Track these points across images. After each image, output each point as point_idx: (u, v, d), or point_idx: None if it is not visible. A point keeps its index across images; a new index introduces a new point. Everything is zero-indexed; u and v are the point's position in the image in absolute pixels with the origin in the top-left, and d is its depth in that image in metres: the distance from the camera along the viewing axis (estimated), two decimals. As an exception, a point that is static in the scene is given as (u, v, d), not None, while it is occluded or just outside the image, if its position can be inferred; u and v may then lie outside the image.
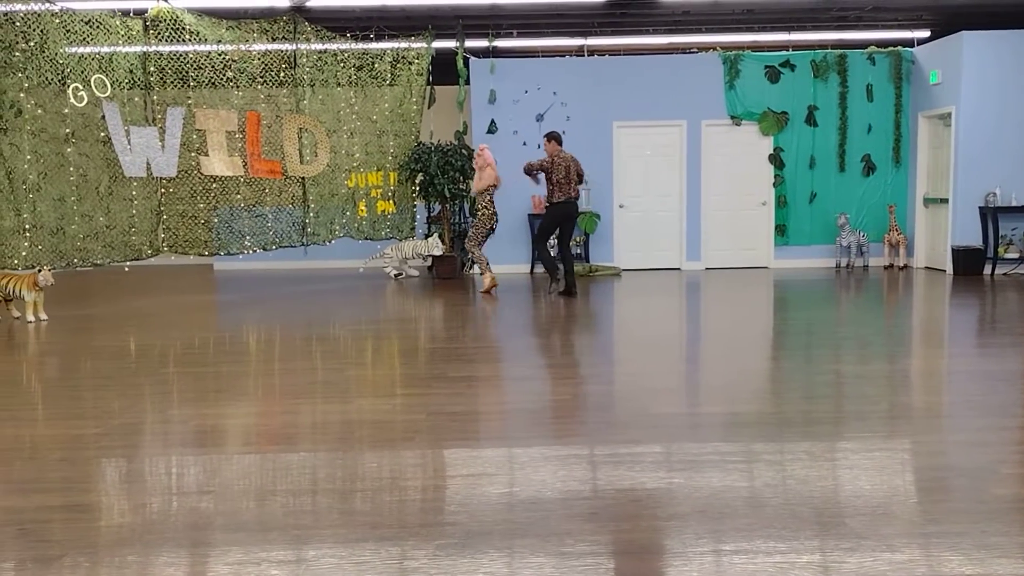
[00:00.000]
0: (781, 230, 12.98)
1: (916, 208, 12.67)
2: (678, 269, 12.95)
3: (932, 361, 6.16)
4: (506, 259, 12.87)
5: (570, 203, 9.92)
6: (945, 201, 11.92)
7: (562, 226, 10.05)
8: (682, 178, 12.88)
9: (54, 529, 3.22)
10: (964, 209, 11.60)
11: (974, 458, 3.87)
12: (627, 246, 12.99)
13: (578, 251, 12.79)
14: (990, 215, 11.35)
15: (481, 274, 10.56)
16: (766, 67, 12.75)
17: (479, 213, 10.35)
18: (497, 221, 10.45)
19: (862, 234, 12.58)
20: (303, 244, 11.33)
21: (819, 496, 3.41)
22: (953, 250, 11.57)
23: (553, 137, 9.98)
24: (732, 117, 12.79)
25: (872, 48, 12.79)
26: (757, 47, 13.21)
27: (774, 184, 12.93)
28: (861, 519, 3.17)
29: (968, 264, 11.46)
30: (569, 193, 9.87)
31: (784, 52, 12.88)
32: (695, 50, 13.26)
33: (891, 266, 12.62)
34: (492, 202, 10.34)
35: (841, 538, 3.00)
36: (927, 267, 12.54)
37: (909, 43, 12.88)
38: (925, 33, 12.58)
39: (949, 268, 11.73)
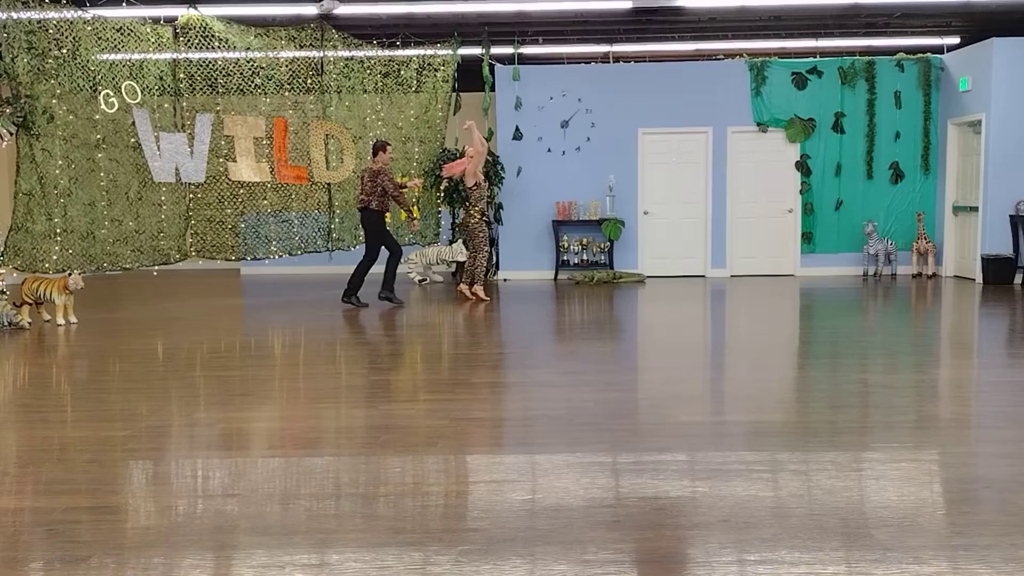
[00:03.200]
0: (808, 238, 12.87)
1: (945, 216, 12.52)
2: (703, 276, 12.89)
3: (961, 371, 6.08)
4: (531, 265, 12.88)
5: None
6: (975, 209, 11.77)
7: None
8: (707, 185, 12.83)
9: (82, 530, 3.26)
10: (994, 217, 11.45)
11: (1003, 470, 3.81)
12: (651, 253, 12.95)
13: (602, 257, 12.77)
14: (1021, 224, 11.19)
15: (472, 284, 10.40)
16: (793, 74, 12.67)
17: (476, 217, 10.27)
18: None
19: (890, 242, 12.46)
20: (328, 249, 11.40)
21: (845, 507, 3.37)
22: (983, 259, 11.42)
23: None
24: (758, 124, 12.72)
25: (901, 55, 12.68)
26: (784, 53, 13.13)
27: (801, 191, 12.83)
28: (887, 530, 3.14)
29: (998, 273, 11.31)
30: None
31: (811, 59, 12.80)
32: (721, 57, 13.21)
33: (919, 275, 12.48)
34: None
35: (867, 549, 2.97)
36: (956, 276, 12.38)
37: (938, 50, 12.76)
38: (955, 40, 12.45)
39: (979, 277, 11.58)
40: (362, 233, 11.68)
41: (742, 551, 2.97)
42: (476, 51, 12.30)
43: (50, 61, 8.81)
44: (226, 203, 10.37)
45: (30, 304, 8.74)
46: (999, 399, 5.18)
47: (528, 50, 12.72)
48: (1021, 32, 11.55)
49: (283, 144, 10.57)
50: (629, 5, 10.12)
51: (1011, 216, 11.33)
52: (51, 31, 8.80)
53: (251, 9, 10.35)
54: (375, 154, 9.89)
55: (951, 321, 8.62)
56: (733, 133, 12.76)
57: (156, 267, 10.25)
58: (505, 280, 12.82)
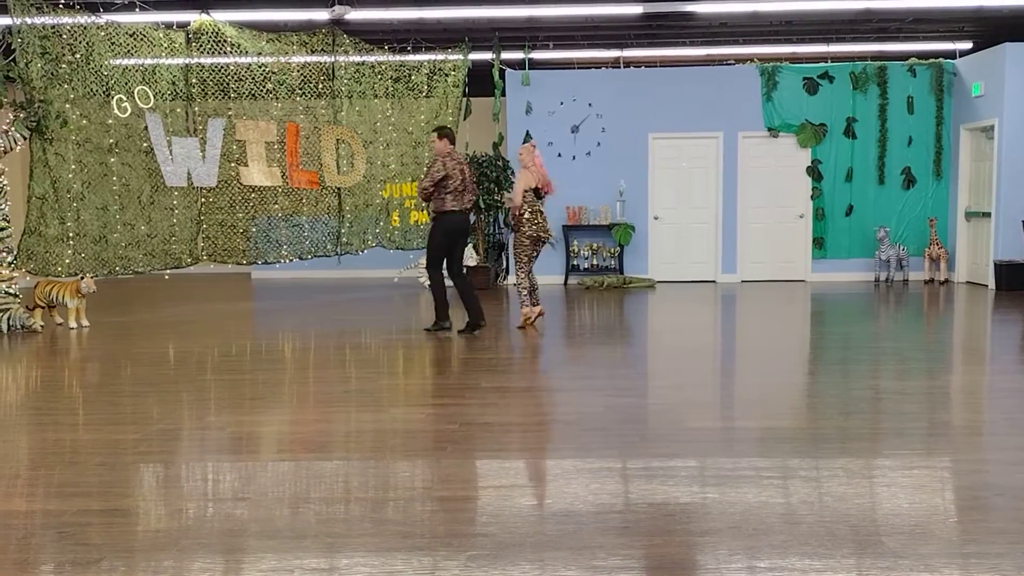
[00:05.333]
0: (819, 243, 12.83)
1: (957, 222, 12.46)
2: (713, 282, 12.86)
3: (973, 378, 6.04)
4: (540, 270, 12.85)
5: (464, 215, 8.12)
6: (987, 215, 11.71)
7: (454, 246, 8.14)
8: (718, 190, 12.81)
9: (92, 533, 3.27)
10: (1007, 223, 11.39)
11: (1015, 477, 3.79)
12: (661, 258, 12.93)
13: (612, 262, 12.75)
14: (1034, 229, 11.13)
15: (520, 304, 8.58)
16: (804, 79, 12.64)
17: (520, 228, 8.39)
18: (545, 232, 8.39)
19: (902, 248, 12.39)
20: (336, 254, 11.42)
21: (856, 514, 3.36)
22: (996, 265, 11.36)
23: (444, 134, 8.11)
24: (769, 129, 12.69)
25: (913, 60, 12.63)
26: (795, 59, 13.11)
27: (812, 196, 12.79)
28: (899, 538, 3.12)
29: (1011, 279, 11.23)
30: (464, 204, 8.05)
31: (823, 64, 12.76)
32: (732, 61, 13.19)
33: (931, 281, 12.41)
34: (536, 212, 8.34)
35: (878, 557, 2.95)
36: (968, 282, 12.31)
37: (951, 55, 12.70)
38: (967, 45, 12.39)
39: (991, 283, 11.51)
40: (369, 238, 11.67)
41: (752, 558, 2.96)
42: (487, 56, 12.32)
43: (63, 66, 8.86)
44: (237, 207, 10.41)
45: (43, 307, 8.80)
46: (1011, 406, 5.14)
47: (539, 55, 12.72)
48: (1034, 37, 11.50)
49: (294, 149, 10.60)
50: (640, 10, 10.12)
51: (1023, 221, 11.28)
52: (65, 36, 8.86)
53: (263, 15, 10.40)
54: (454, 142, 8.24)
55: (963, 327, 8.57)
56: (744, 138, 12.73)
57: (167, 271, 10.29)
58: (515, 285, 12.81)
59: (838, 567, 2.87)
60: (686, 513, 3.39)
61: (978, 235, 12.12)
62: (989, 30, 11.76)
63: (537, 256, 8.55)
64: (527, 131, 12.73)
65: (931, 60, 12.60)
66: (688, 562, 2.94)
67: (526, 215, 8.31)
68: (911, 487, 3.67)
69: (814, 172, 12.76)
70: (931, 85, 12.55)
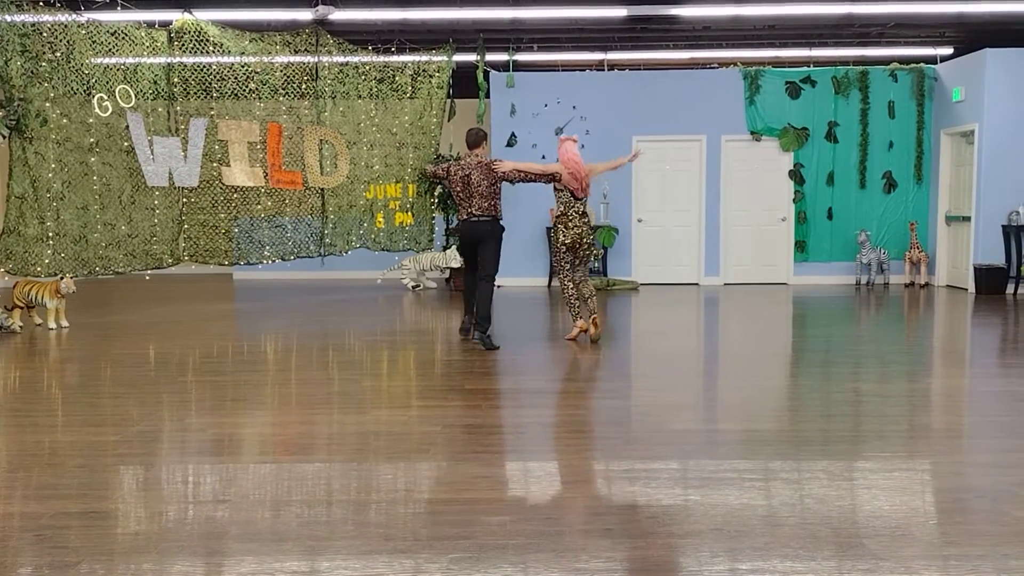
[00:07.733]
0: (801, 246, 12.90)
1: (938, 226, 12.56)
2: (696, 284, 12.90)
3: (953, 381, 6.09)
4: (522, 272, 12.88)
5: (468, 224, 7.53)
6: (967, 219, 11.81)
7: (476, 253, 7.58)
8: (701, 193, 12.85)
9: (71, 536, 3.23)
10: (987, 227, 11.49)
11: (995, 479, 3.82)
12: (645, 260, 12.96)
13: (596, 265, 12.77)
14: (1013, 234, 11.23)
15: (573, 317, 7.76)
16: (787, 83, 12.71)
17: (556, 231, 7.71)
18: (571, 237, 7.49)
19: (883, 251, 12.49)
20: (320, 255, 11.36)
21: (837, 516, 3.37)
22: (975, 269, 11.46)
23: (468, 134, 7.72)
24: (752, 132, 12.75)
25: (894, 65, 12.73)
26: (778, 63, 13.18)
27: (794, 200, 12.86)
28: (880, 540, 3.13)
29: (991, 283, 11.34)
30: (470, 210, 7.52)
31: (805, 68, 12.84)
32: (715, 65, 13.25)
33: (912, 284, 12.51)
34: (573, 215, 7.48)
35: (859, 559, 2.97)
36: (948, 285, 12.42)
37: (932, 60, 12.81)
38: (948, 50, 12.50)
39: (971, 287, 11.61)
40: (353, 239, 11.61)
41: (734, 560, 2.97)
42: (471, 58, 12.31)
43: (44, 64, 8.78)
44: (219, 207, 10.33)
45: (21, 308, 8.71)
46: (991, 409, 5.19)
47: (523, 57, 12.73)
48: (1014, 43, 11.60)
49: (277, 149, 10.54)
50: (624, 13, 10.14)
51: (1003, 226, 11.36)
52: (45, 34, 8.77)
53: (246, 14, 10.35)
54: (478, 145, 7.68)
55: (944, 331, 8.64)
56: (727, 141, 12.79)
57: (149, 271, 10.20)
58: (498, 287, 12.80)
59: (820, 569, 2.88)
60: (668, 515, 3.39)
61: (958, 239, 12.22)
62: (970, 35, 11.87)
63: (579, 264, 7.67)
64: (512, 132, 12.74)
65: (912, 65, 12.71)
66: (670, 564, 2.95)
67: (560, 219, 7.53)
68: (892, 489, 3.69)
69: (796, 176, 12.83)
70: (912, 90, 12.66)
